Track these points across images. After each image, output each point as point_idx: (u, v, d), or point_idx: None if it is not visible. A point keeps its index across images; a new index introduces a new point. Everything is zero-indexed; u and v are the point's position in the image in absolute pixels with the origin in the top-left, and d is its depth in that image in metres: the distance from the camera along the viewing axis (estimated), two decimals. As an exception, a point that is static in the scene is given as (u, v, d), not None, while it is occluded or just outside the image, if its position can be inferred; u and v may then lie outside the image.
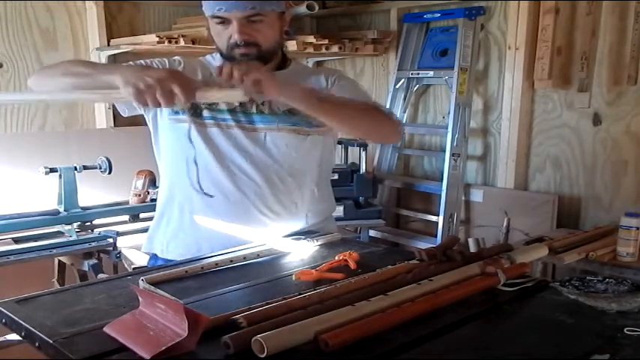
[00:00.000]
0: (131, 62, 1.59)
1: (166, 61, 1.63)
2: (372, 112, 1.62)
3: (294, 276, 1.28)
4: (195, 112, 1.60)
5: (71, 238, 2.36)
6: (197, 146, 1.60)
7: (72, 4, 2.91)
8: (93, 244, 2.36)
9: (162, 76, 1.31)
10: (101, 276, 2.22)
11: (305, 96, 1.48)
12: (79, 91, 1.47)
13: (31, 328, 1.03)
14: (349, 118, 1.58)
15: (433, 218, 3.25)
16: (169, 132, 1.64)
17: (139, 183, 2.66)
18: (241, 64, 1.41)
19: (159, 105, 1.32)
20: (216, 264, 1.37)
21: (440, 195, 3.13)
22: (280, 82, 1.43)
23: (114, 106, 2.53)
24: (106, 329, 0.99)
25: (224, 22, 1.56)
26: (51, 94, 1.51)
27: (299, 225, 1.69)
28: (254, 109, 1.62)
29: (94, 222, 2.52)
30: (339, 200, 2.98)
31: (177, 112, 1.61)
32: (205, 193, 1.62)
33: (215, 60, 1.68)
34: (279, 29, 1.62)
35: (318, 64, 3.75)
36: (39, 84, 1.53)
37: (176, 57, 1.66)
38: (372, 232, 3.42)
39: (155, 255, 1.70)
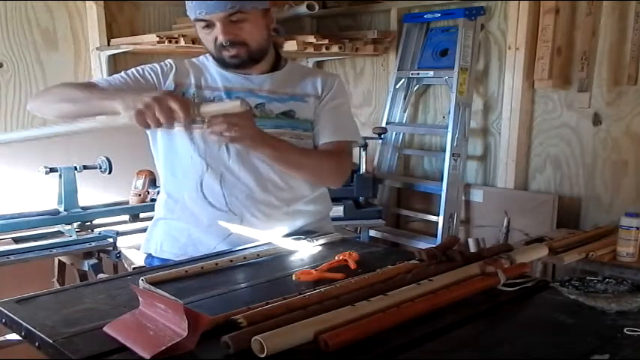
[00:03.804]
0: (122, 72, 1.63)
1: (158, 67, 1.64)
2: (324, 165, 1.67)
3: (294, 276, 1.28)
4: None
5: (71, 238, 2.36)
6: (190, 150, 1.61)
7: (72, 4, 2.91)
8: (93, 243, 2.36)
9: (158, 95, 1.37)
10: (101, 276, 2.22)
11: (270, 152, 1.54)
12: (82, 121, 1.53)
13: (31, 328, 1.03)
14: (298, 168, 1.64)
15: (433, 218, 3.25)
16: (165, 137, 1.65)
17: (139, 183, 2.67)
18: (233, 117, 1.42)
19: (159, 124, 1.36)
20: (216, 264, 1.37)
21: (440, 195, 3.12)
22: (255, 138, 1.49)
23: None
24: (106, 329, 0.99)
25: (208, 24, 1.56)
26: (54, 127, 1.56)
27: (293, 227, 1.69)
28: None
29: (94, 222, 2.52)
30: (339, 200, 3.00)
31: None
32: (198, 196, 1.63)
33: (209, 61, 1.68)
34: (264, 27, 1.61)
35: (318, 64, 3.75)
36: (37, 110, 1.62)
37: (168, 60, 1.67)
38: (372, 232, 3.42)
39: (150, 254, 1.71)
